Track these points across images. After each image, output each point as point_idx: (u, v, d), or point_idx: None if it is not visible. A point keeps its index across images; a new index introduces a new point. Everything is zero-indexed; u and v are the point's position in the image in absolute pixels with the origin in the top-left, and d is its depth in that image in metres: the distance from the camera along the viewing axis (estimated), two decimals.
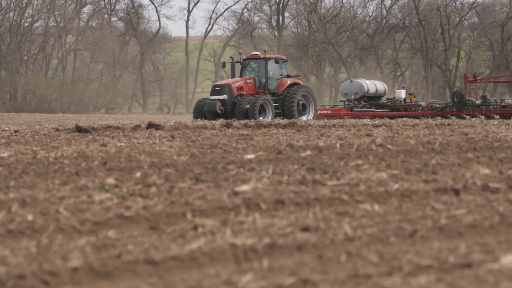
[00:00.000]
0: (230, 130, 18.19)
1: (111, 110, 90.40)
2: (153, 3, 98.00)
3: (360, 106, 42.75)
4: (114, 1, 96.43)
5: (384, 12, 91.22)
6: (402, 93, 43.07)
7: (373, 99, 42.99)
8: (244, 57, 35.87)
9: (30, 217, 6.37)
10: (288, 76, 35.38)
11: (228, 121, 21.57)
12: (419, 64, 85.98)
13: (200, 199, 7.23)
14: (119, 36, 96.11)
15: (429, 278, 4.55)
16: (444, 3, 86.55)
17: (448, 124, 21.19)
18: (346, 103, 43.07)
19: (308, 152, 11.57)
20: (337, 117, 36.89)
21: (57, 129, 18.40)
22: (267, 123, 20.55)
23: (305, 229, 5.96)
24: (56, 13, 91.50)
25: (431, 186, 7.90)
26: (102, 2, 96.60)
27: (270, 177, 8.79)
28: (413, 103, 42.41)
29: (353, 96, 42.53)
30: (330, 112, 41.57)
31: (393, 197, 7.39)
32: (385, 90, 43.59)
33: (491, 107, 39.36)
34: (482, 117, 36.71)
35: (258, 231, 5.92)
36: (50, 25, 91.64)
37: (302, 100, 34.71)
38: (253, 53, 36.49)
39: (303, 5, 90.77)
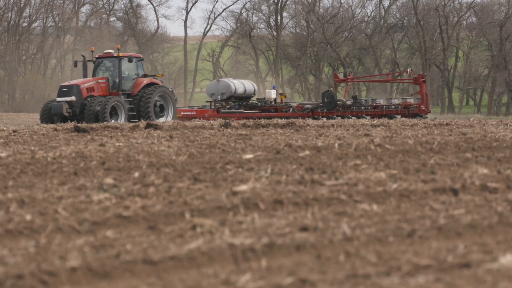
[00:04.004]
0: (229, 130, 18.19)
1: None
2: (151, 3, 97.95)
3: (228, 107, 41.44)
4: (112, 1, 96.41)
5: (383, 12, 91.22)
6: (272, 94, 41.69)
7: (241, 100, 41.47)
8: (96, 56, 33.61)
9: (28, 217, 6.37)
10: (145, 76, 33.37)
11: (227, 121, 21.42)
12: (418, 64, 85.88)
13: (199, 199, 7.23)
14: (117, 36, 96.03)
15: (427, 278, 4.55)
16: (443, 3, 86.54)
17: (447, 124, 21.21)
18: (213, 103, 41.54)
19: (307, 152, 11.56)
20: (202, 119, 35.25)
21: (56, 129, 18.40)
22: (265, 123, 20.53)
23: (304, 229, 5.96)
24: (54, 13, 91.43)
25: (429, 186, 7.90)
26: (101, 2, 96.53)
27: (269, 177, 8.79)
28: (283, 104, 41.58)
29: (219, 97, 41.01)
30: (195, 113, 39.93)
31: (392, 197, 7.39)
32: (254, 90, 42.14)
33: (362, 107, 38.91)
34: (354, 118, 35.65)
35: (256, 231, 5.92)
36: (49, 25, 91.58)
37: (159, 101, 32.71)
38: (106, 51, 34.41)
39: (302, 5, 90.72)
